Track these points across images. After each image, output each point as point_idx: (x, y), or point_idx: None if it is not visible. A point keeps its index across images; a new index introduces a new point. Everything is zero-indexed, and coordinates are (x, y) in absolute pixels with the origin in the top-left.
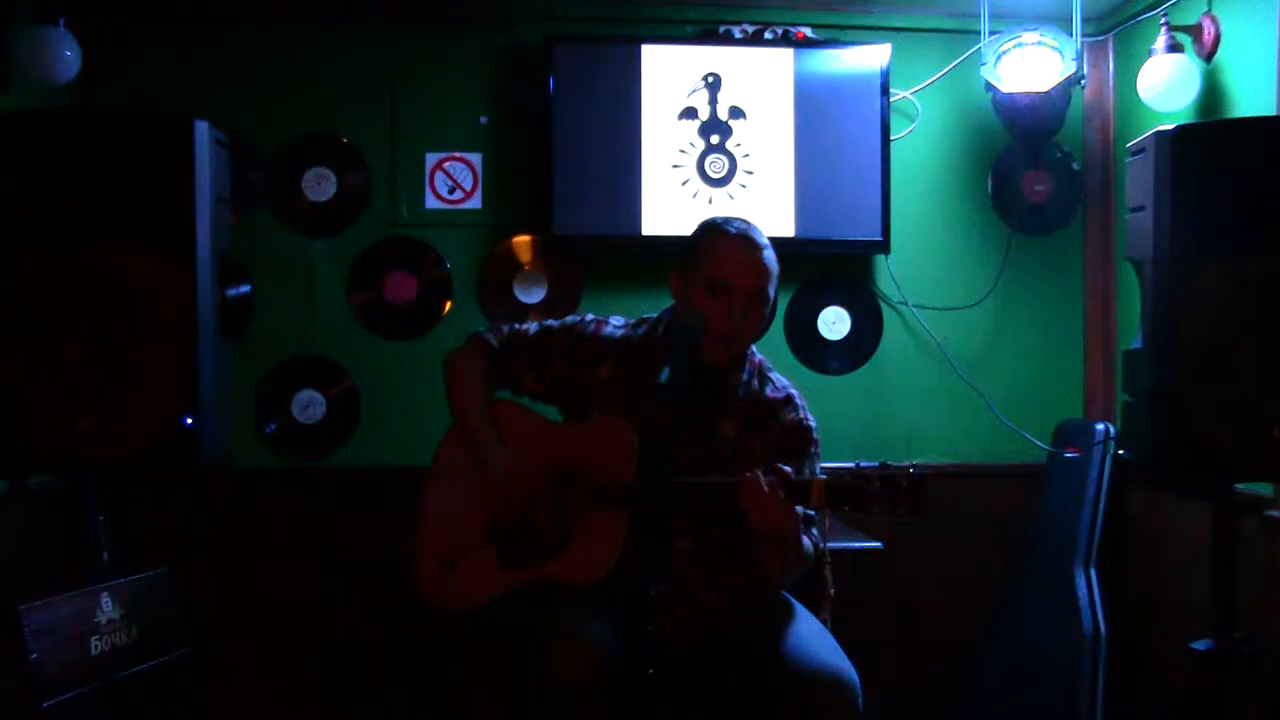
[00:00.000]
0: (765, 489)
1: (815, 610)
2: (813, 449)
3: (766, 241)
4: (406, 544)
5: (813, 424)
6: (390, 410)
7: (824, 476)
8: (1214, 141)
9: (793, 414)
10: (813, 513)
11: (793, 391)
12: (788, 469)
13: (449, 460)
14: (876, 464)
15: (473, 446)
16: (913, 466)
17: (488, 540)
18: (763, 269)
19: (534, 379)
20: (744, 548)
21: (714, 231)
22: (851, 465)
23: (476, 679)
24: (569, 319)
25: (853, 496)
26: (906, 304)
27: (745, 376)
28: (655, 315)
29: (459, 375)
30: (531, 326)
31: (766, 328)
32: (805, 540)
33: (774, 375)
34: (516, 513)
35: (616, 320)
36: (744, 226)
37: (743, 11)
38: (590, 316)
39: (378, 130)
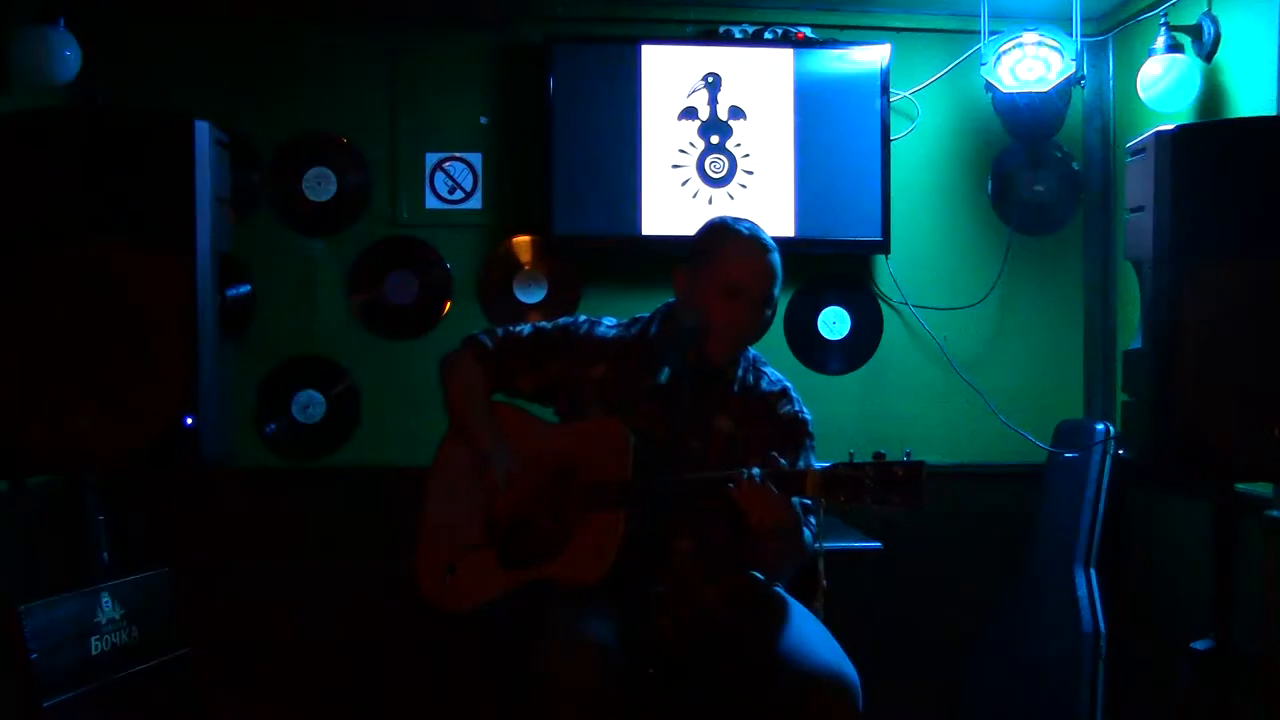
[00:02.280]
0: (759, 485)
1: (808, 600)
2: (808, 441)
3: (774, 245)
4: (407, 544)
5: (807, 416)
6: (390, 410)
7: (819, 466)
8: (1214, 141)
9: (788, 407)
10: (810, 502)
11: (787, 384)
12: (783, 461)
13: (448, 462)
14: (872, 457)
15: (472, 448)
16: (907, 454)
17: (488, 541)
18: (773, 272)
19: (529, 381)
20: (744, 545)
21: (727, 234)
22: (844, 459)
23: (476, 679)
24: (562, 320)
25: (847, 486)
26: (906, 304)
27: (740, 371)
28: (647, 315)
29: (455, 378)
30: (525, 328)
31: (768, 326)
32: (805, 531)
33: (768, 369)
34: (515, 514)
35: (609, 321)
36: (755, 229)
37: (743, 11)
38: (583, 318)
39: (378, 130)
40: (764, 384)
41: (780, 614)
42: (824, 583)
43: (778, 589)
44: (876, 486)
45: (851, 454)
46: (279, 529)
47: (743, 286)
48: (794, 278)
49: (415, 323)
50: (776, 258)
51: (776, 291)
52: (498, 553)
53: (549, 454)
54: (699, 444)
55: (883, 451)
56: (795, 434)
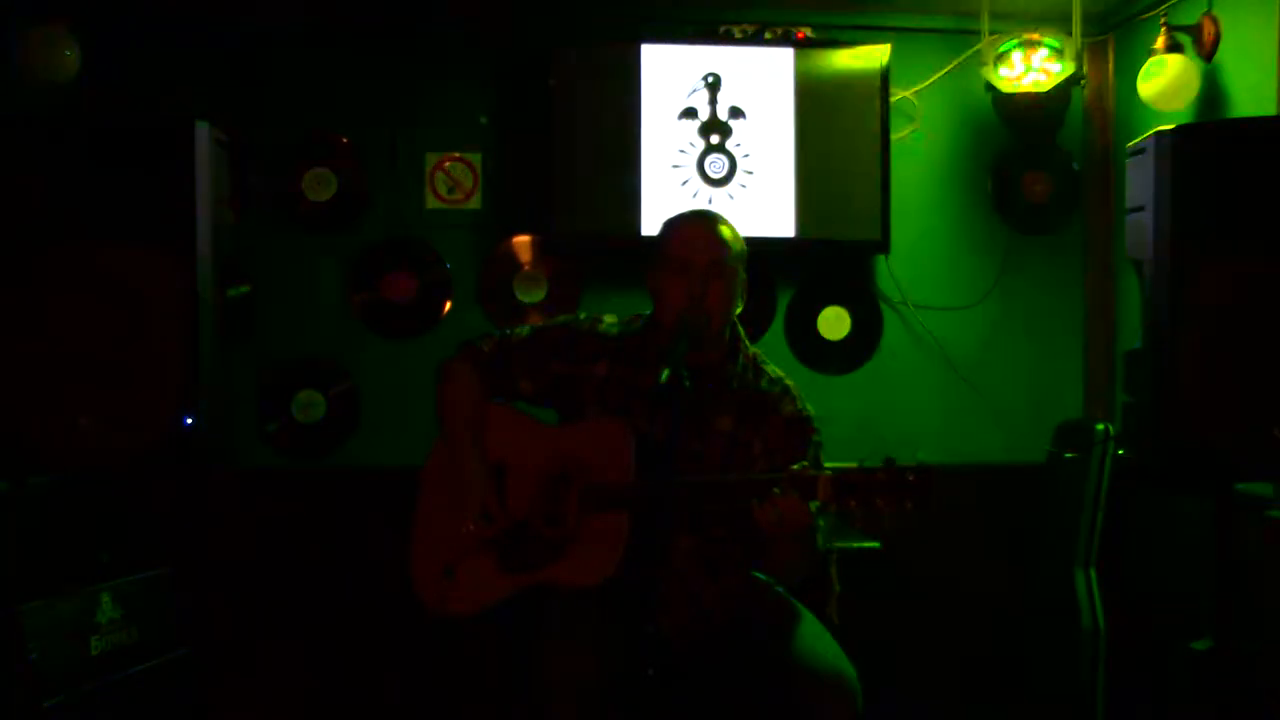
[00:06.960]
0: (778, 506)
1: (821, 606)
2: (815, 438)
3: (725, 219)
4: (407, 544)
5: (811, 413)
6: (390, 410)
7: (829, 471)
8: (1214, 141)
9: (791, 406)
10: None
11: (788, 383)
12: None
13: (442, 466)
14: (882, 461)
15: (457, 461)
16: (917, 458)
17: (487, 546)
18: (717, 240)
19: (530, 383)
20: (748, 546)
21: (671, 220)
22: (854, 464)
23: (477, 679)
24: (562, 319)
25: (859, 490)
26: (906, 304)
27: (739, 369)
28: (650, 313)
29: (450, 386)
30: (525, 330)
31: (735, 304)
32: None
33: (767, 367)
34: (514, 517)
35: (611, 319)
36: (701, 209)
37: (743, 11)
38: (584, 316)
39: (378, 130)
40: (764, 382)
41: (780, 614)
42: (836, 588)
43: (778, 590)
44: (889, 491)
45: (862, 460)
46: (279, 529)
47: (689, 260)
48: (794, 278)
49: (415, 323)
50: (724, 229)
51: (728, 260)
52: (497, 557)
53: (548, 456)
54: (699, 443)
55: (891, 457)
56: (802, 433)
